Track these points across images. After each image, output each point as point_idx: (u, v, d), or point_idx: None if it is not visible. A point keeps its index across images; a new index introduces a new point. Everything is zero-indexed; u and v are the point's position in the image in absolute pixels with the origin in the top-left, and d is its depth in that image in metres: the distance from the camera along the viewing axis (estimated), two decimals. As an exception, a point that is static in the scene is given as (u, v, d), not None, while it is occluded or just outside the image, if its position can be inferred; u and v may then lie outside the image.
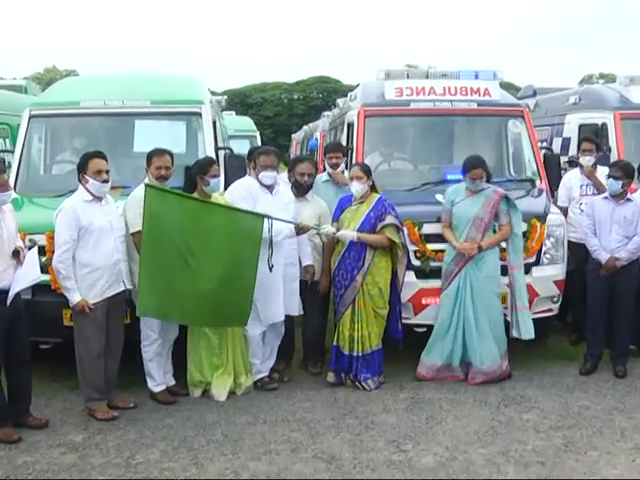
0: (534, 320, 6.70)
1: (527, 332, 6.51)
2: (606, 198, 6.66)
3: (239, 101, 51.85)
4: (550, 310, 6.99)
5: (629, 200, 6.57)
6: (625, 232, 6.52)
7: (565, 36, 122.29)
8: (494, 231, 6.52)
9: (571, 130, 9.70)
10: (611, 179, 6.56)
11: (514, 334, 6.53)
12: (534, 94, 11.73)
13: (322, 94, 59.43)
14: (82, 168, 5.64)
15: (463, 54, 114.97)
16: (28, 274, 5.37)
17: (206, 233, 5.82)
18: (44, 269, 6.01)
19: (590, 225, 6.69)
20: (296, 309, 6.44)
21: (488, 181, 6.59)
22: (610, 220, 6.57)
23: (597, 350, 6.73)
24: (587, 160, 7.44)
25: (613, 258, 6.49)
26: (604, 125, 8.77)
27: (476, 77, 8.00)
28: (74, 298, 5.52)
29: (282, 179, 6.76)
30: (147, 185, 5.66)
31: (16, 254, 5.32)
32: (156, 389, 6.06)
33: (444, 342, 6.45)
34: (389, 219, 6.27)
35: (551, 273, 6.86)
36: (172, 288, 5.76)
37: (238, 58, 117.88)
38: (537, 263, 6.82)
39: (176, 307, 5.86)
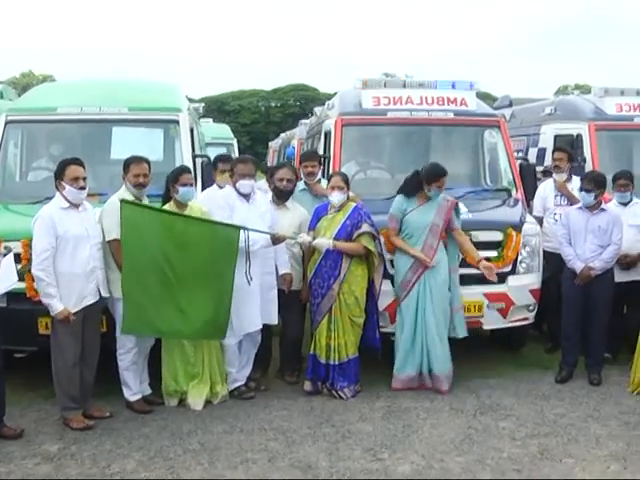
0: (510, 329, 6.77)
1: (462, 331, 6.58)
2: (580, 208, 6.73)
3: (216, 108, 51.70)
4: (526, 319, 7.06)
5: (603, 210, 6.65)
6: (600, 241, 6.59)
7: (540, 46, 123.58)
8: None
9: (546, 140, 9.79)
10: (583, 192, 6.63)
11: (451, 334, 6.56)
12: (510, 104, 11.84)
13: (299, 102, 59.53)
14: (59, 175, 5.59)
15: (440, 62, 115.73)
16: (5, 279, 5.34)
17: (183, 247, 5.83)
18: (20, 277, 5.96)
19: (565, 235, 6.75)
20: (275, 318, 6.42)
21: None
22: (585, 230, 6.63)
23: (572, 358, 6.78)
24: (559, 176, 7.58)
25: (587, 268, 6.55)
26: (579, 136, 8.88)
27: (453, 87, 8.09)
28: (56, 307, 5.46)
29: (259, 187, 6.77)
30: (122, 201, 5.62)
31: None
32: (132, 398, 6.02)
33: (414, 352, 6.45)
34: (365, 227, 6.29)
35: (527, 282, 6.93)
36: (153, 304, 5.75)
37: (215, 65, 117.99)
38: (513, 272, 6.89)
39: (158, 323, 5.84)
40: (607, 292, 6.66)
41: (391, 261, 6.67)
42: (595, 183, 6.60)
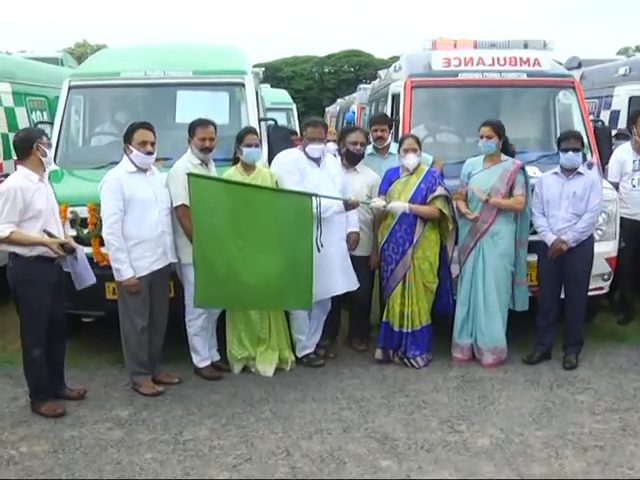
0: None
1: (522, 305, 6.32)
2: (556, 173, 6.18)
3: (270, 75, 51.48)
4: (601, 288, 6.78)
5: (580, 174, 6.11)
6: (575, 209, 6.06)
7: (597, 9, 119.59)
8: None
9: (620, 102, 9.35)
10: (570, 152, 6.06)
11: (512, 307, 6.33)
12: (579, 66, 11.36)
13: (353, 68, 58.84)
14: (127, 138, 5.52)
15: (495, 28, 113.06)
16: (86, 277, 5.34)
17: (255, 218, 5.65)
18: (85, 242, 5.97)
19: (538, 204, 6.21)
20: (356, 283, 6.23)
21: (513, 155, 6.36)
22: (559, 197, 6.11)
23: (547, 338, 6.33)
24: None
25: (559, 240, 6.07)
26: (656, 97, 8.46)
27: (525, 47, 7.74)
28: (125, 273, 5.42)
29: (329, 151, 6.61)
30: (189, 174, 5.50)
31: (72, 251, 5.21)
32: (201, 364, 5.98)
33: (468, 321, 6.28)
34: (440, 190, 6.11)
35: (603, 250, 6.62)
36: (227, 276, 5.61)
37: (268, 31, 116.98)
38: (591, 240, 6.60)
39: (233, 295, 5.72)
40: (584, 266, 6.17)
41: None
42: (581, 142, 6.13)
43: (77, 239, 5.83)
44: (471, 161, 6.39)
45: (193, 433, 4.91)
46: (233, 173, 6.00)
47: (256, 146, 6.03)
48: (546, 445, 4.74)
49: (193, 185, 5.45)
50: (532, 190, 6.29)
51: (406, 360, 6.17)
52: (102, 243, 5.71)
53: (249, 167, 5.99)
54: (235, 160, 6.10)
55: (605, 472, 4.39)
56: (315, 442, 4.77)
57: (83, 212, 6.05)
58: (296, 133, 9.12)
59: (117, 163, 5.65)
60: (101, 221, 5.59)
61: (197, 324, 5.90)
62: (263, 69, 9.19)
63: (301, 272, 5.74)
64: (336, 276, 6.06)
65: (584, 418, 5.17)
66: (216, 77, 7.29)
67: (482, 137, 6.21)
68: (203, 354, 5.98)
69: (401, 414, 5.23)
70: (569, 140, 6.14)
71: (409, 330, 6.14)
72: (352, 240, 6.25)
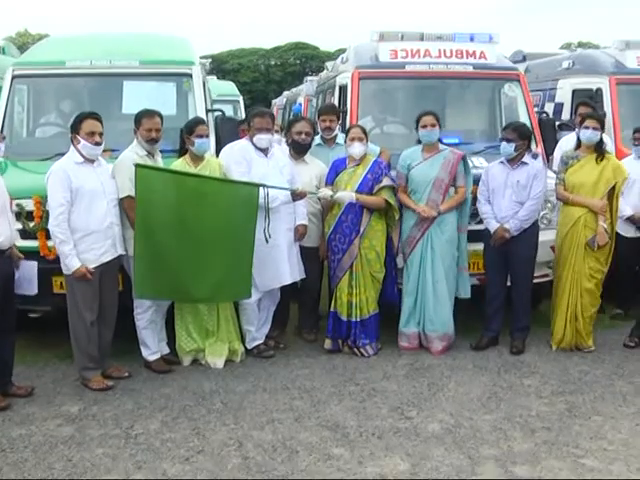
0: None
1: (464, 292, 6.45)
2: (502, 162, 6.32)
3: (216, 67, 51.05)
4: (546, 275, 6.91)
5: (524, 164, 6.24)
6: (518, 198, 6.19)
7: (541, 4, 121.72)
8: None
9: (564, 95, 9.56)
10: (504, 142, 6.22)
11: (456, 294, 6.45)
12: (524, 59, 11.54)
13: (300, 60, 58.72)
14: (75, 128, 5.42)
15: (441, 21, 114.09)
16: (25, 285, 5.32)
17: (201, 208, 5.65)
18: (32, 235, 5.87)
19: (484, 192, 6.35)
20: (303, 273, 6.29)
21: (440, 141, 6.45)
22: (504, 185, 6.24)
23: (495, 325, 6.45)
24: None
25: (502, 228, 6.20)
26: (599, 90, 8.64)
27: (471, 40, 7.86)
28: (73, 264, 5.33)
29: (275, 142, 6.61)
30: (137, 165, 5.44)
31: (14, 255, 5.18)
32: (151, 358, 5.93)
33: (415, 310, 6.37)
34: (386, 181, 6.17)
35: (548, 238, 6.75)
36: (169, 267, 5.62)
37: (214, 23, 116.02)
38: (536, 228, 6.74)
39: (175, 287, 5.72)
40: (528, 253, 6.30)
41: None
42: (518, 133, 6.21)
43: (23, 233, 5.73)
44: (408, 152, 6.44)
45: (144, 427, 4.87)
46: (180, 164, 5.96)
47: (206, 137, 6.01)
48: (495, 428, 4.83)
49: (140, 176, 5.40)
50: (474, 180, 6.41)
51: (355, 349, 6.22)
52: (49, 236, 5.61)
53: (198, 158, 5.96)
54: (182, 151, 6.05)
55: (552, 451, 4.50)
56: (267, 432, 4.78)
57: (29, 205, 5.93)
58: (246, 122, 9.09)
59: (63, 154, 5.54)
60: (47, 214, 5.49)
61: (146, 317, 5.85)
62: (210, 60, 9.13)
63: (241, 263, 5.81)
64: (284, 266, 6.08)
65: (531, 401, 5.29)
66: (163, 67, 7.23)
67: (425, 126, 6.28)
68: (153, 347, 5.93)
69: (352, 402, 5.27)
70: (505, 130, 6.32)
71: (358, 319, 6.18)
72: (299, 233, 6.26)
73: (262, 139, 6.04)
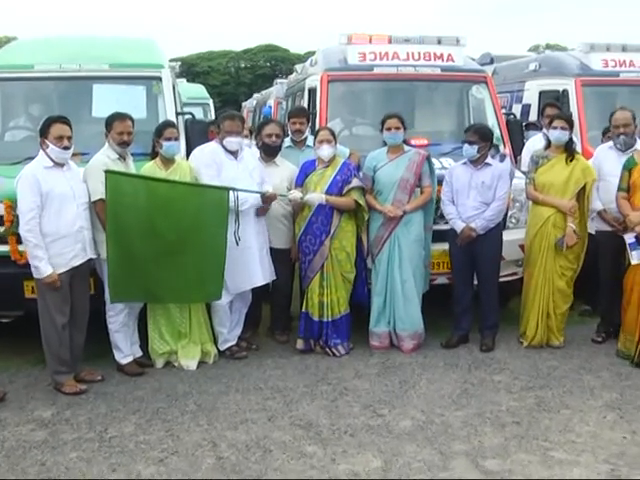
0: (499, 283, 6.74)
1: (424, 286, 6.56)
2: (465, 164, 6.42)
3: (185, 69, 50.82)
4: (515, 274, 7.03)
5: (488, 165, 6.34)
6: (483, 198, 6.29)
7: (508, 7, 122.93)
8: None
9: (531, 97, 9.72)
10: (466, 144, 6.30)
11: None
12: (491, 61, 11.71)
13: (269, 62, 58.70)
14: (43, 133, 5.40)
15: (408, 23, 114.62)
16: None
17: (172, 212, 5.70)
18: (2, 239, 5.84)
19: (448, 192, 6.43)
20: (273, 274, 6.33)
21: (405, 142, 6.54)
22: (468, 186, 6.33)
23: (465, 323, 6.56)
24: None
25: (468, 228, 6.28)
26: (565, 91, 8.80)
27: (439, 42, 7.96)
28: (44, 270, 5.31)
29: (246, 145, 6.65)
30: (107, 171, 5.46)
31: None
32: (123, 361, 5.93)
33: (384, 309, 6.43)
34: (355, 182, 6.23)
35: (516, 237, 6.87)
36: (142, 271, 5.68)
37: (183, 25, 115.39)
38: (503, 227, 6.84)
39: (148, 289, 5.78)
40: (494, 252, 6.42)
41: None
42: (479, 135, 6.31)
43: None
44: (373, 155, 6.52)
45: (118, 430, 4.87)
46: (151, 167, 5.99)
47: (175, 139, 6.04)
48: (466, 424, 4.91)
49: (110, 182, 5.43)
50: (438, 179, 6.51)
51: (327, 349, 6.27)
52: (19, 241, 5.59)
53: (168, 161, 5.99)
54: (154, 154, 6.07)
55: (522, 445, 4.59)
56: (240, 432, 4.80)
57: None
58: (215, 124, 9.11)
59: (33, 158, 5.52)
60: (18, 218, 5.47)
61: (118, 320, 5.85)
62: (179, 63, 9.12)
63: (212, 266, 5.86)
64: (255, 268, 6.12)
65: (501, 397, 5.38)
66: (133, 70, 7.20)
67: (390, 129, 6.36)
68: (125, 350, 5.93)
69: (324, 401, 5.31)
70: (467, 133, 6.40)
71: (329, 319, 6.24)
72: (267, 197, 6.09)
73: (232, 142, 6.07)
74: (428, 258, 6.58)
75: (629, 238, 6.10)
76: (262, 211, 6.17)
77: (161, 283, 5.78)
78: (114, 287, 5.62)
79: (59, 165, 5.45)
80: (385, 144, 6.48)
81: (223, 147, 6.11)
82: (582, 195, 6.34)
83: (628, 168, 6.22)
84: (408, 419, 4.99)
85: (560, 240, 6.26)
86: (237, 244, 5.89)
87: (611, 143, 6.66)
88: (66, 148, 5.40)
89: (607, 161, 6.55)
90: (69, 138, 5.41)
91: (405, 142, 6.50)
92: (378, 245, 6.38)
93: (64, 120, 5.45)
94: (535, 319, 6.43)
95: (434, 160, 6.66)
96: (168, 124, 6.14)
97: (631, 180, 6.19)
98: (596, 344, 6.56)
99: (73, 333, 5.60)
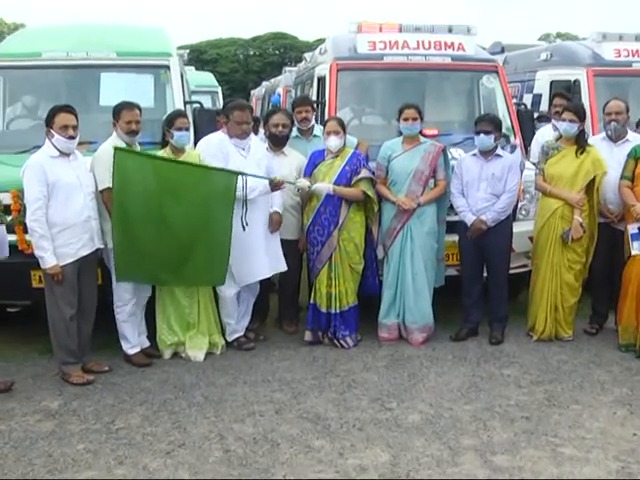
0: (509, 276, 6.69)
1: (439, 280, 6.51)
2: (475, 155, 6.34)
3: (194, 57, 50.69)
4: (525, 266, 6.97)
5: (498, 156, 6.27)
6: (493, 190, 6.23)
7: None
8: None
9: (542, 86, 9.62)
10: (482, 135, 6.20)
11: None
12: (502, 50, 11.61)
13: (278, 50, 58.50)
14: (48, 122, 5.37)
15: (419, 12, 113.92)
16: None
17: (179, 193, 5.67)
18: (10, 229, 5.81)
19: (458, 185, 6.35)
20: (283, 265, 6.26)
21: (420, 133, 6.46)
22: (478, 178, 6.26)
23: (474, 316, 6.52)
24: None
25: (479, 220, 6.23)
26: (577, 81, 8.70)
27: (450, 31, 7.87)
28: (48, 261, 5.29)
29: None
30: (116, 148, 5.44)
31: None
32: (131, 351, 5.91)
33: (395, 301, 6.39)
34: (364, 172, 6.18)
35: (526, 229, 6.81)
36: (147, 251, 5.66)
37: (192, 13, 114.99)
38: (513, 219, 6.78)
39: (153, 270, 5.77)
40: (504, 244, 6.37)
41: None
42: (495, 125, 6.24)
43: (0, 226, 5.68)
44: (389, 144, 6.45)
45: (125, 421, 4.85)
46: (161, 155, 5.94)
47: (186, 129, 6.01)
48: (474, 418, 4.87)
49: (118, 159, 5.40)
50: (453, 171, 6.45)
51: (335, 341, 6.24)
52: (26, 230, 5.56)
53: (178, 150, 5.96)
54: (164, 143, 6.04)
55: (531, 441, 4.54)
56: (248, 425, 4.78)
57: (6, 199, 5.85)
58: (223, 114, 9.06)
59: (40, 147, 5.49)
60: (25, 208, 5.45)
61: (126, 310, 5.83)
62: (187, 51, 9.08)
63: (218, 250, 5.82)
64: (262, 260, 6.07)
65: (510, 391, 5.33)
66: (141, 59, 7.16)
67: (407, 119, 6.28)
68: (133, 341, 5.92)
69: (332, 394, 5.28)
70: (481, 123, 6.30)
71: (337, 311, 6.20)
72: (274, 221, 6.19)
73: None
74: (442, 251, 6.51)
75: (632, 228, 6.04)
76: (276, 187, 6.07)
77: (165, 265, 5.76)
78: (119, 266, 5.61)
79: (65, 154, 5.41)
80: (400, 134, 6.41)
81: (230, 137, 6.06)
82: (592, 187, 6.27)
83: (635, 157, 6.15)
84: (416, 413, 4.95)
85: (566, 233, 6.20)
86: (244, 229, 5.84)
87: (604, 134, 6.60)
88: (71, 138, 5.37)
89: (599, 152, 6.45)
90: (74, 127, 5.37)
91: (420, 133, 6.43)
92: (391, 237, 6.32)
93: (69, 109, 5.41)
94: (544, 312, 6.37)
95: None
96: (179, 114, 6.10)
97: (637, 170, 6.12)
98: (590, 335, 6.56)
99: (81, 323, 5.58)
